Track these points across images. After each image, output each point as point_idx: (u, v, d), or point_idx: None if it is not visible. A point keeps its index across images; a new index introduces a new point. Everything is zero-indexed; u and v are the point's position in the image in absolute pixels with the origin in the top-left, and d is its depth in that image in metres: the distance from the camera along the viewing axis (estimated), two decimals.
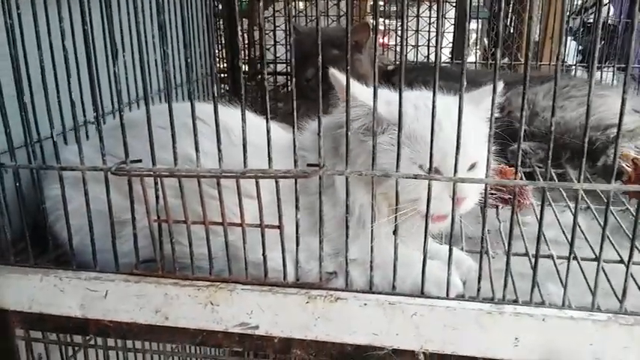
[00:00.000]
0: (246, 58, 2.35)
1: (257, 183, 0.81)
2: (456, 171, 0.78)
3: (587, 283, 0.85)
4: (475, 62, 2.41)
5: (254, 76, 2.37)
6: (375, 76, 0.76)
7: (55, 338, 1.07)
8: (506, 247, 0.82)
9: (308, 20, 2.32)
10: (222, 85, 2.22)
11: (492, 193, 1.21)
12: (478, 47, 3.39)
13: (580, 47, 3.16)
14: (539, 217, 0.81)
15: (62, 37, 0.84)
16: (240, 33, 2.14)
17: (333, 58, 0.86)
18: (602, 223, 0.79)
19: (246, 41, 2.34)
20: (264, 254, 0.85)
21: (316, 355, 0.88)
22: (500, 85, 0.79)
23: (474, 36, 3.49)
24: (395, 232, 0.82)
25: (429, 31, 2.25)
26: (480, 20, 3.06)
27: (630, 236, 0.78)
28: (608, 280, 0.86)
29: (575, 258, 0.94)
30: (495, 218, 1.21)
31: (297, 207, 0.82)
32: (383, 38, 2.89)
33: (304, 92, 1.78)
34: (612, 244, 1.00)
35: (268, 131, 0.79)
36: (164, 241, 0.88)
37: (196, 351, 1.24)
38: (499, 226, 1.16)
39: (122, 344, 1.12)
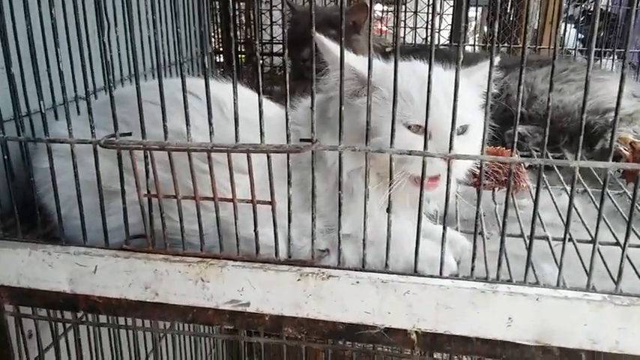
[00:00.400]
0: (242, 39, 2.32)
1: (249, 158, 0.79)
2: (451, 148, 0.77)
3: (583, 264, 0.84)
4: (474, 45, 2.39)
5: (251, 57, 2.34)
6: (370, 48, 0.75)
7: (45, 314, 1.06)
8: (501, 227, 0.81)
9: (304, 0, 2.29)
10: (217, 65, 2.20)
11: (487, 173, 1.21)
12: (478, 36, 3.37)
13: (581, 36, 3.14)
14: (534, 196, 0.79)
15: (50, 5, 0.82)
16: (236, 13, 2.11)
17: (330, 38, 0.84)
18: (598, 205, 0.78)
19: (243, 21, 2.31)
20: (255, 230, 0.84)
21: (308, 333, 0.88)
22: (497, 59, 0.78)
23: (473, 23, 3.46)
24: (388, 210, 0.80)
25: (427, 13, 2.22)
26: (479, 8, 3.03)
27: (627, 219, 0.77)
28: (604, 263, 0.86)
29: (570, 240, 0.93)
30: (491, 200, 1.20)
31: (289, 182, 0.80)
32: (381, 25, 2.86)
33: (301, 72, 1.77)
34: (609, 227, 0.99)
35: (260, 105, 0.77)
36: (154, 217, 0.87)
37: (188, 328, 1.23)
38: (495, 208, 1.15)
39: (113, 321, 1.11)
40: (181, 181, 0.84)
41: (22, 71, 0.92)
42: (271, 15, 2.26)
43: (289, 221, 0.83)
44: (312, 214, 0.82)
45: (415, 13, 2.24)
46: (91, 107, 0.85)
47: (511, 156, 0.77)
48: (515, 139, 0.76)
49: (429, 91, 0.74)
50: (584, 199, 1.22)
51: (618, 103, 0.71)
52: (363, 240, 0.82)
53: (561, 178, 1.26)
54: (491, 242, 0.97)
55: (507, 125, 1.48)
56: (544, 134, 0.74)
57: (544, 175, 1.26)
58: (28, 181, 0.93)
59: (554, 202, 1.14)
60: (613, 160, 0.74)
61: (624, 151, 1.31)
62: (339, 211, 0.82)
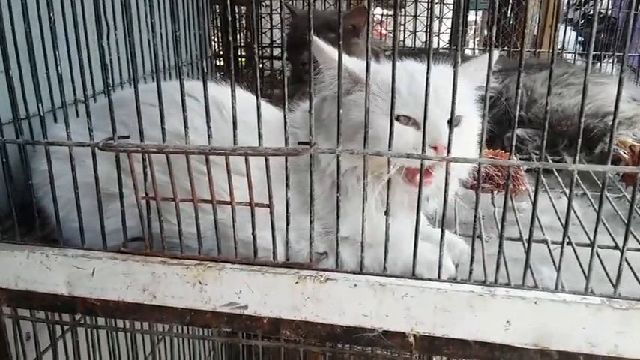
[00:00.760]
0: (243, 42, 2.33)
1: (247, 160, 0.79)
2: (449, 152, 0.77)
3: (582, 267, 0.84)
4: (474, 48, 2.39)
5: (251, 61, 2.34)
6: (367, 51, 0.75)
7: (42, 317, 1.06)
8: (500, 230, 0.80)
9: (304, 3, 2.30)
10: (218, 69, 2.20)
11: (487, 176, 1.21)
12: (478, 39, 3.38)
13: (581, 39, 3.14)
14: (533, 199, 0.79)
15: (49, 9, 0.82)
16: (235, 16, 2.11)
17: (330, 42, 0.84)
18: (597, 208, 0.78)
19: (244, 25, 2.32)
20: (253, 233, 0.83)
21: (306, 336, 0.87)
22: (496, 54, 0.78)
23: (473, 27, 3.47)
24: (387, 213, 0.80)
25: (427, 17, 2.22)
26: (480, 12, 3.03)
27: (626, 222, 0.77)
28: (603, 266, 0.85)
29: (569, 243, 0.93)
30: (490, 204, 1.20)
31: (287, 185, 0.80)
32: (380, 28, 2.87)
33: (300, 76, 1.77)
34: (608, 231, 0.99)
35: (258, 108, 0.77)
36: (152, 219, 0.87)
37: (187, 331, 1.23)
38: (494, 211, 1.15)
39: (111, 324, 1.11)
40: (180, 183, 0.84)
41: (21, 74, 0.92)
42: (271, 18, 2.26)
43: (287, 224, 0.83)
44: (311, 216, 0.82)
45: (415, 17, 2.24)
46: (89, 110, 0.85)
47: (509, 159, 0.77)
48: (514, 142, 0.76)
49: (426, 95, 0.74)
50: (583, 202, 1.21)
51: (616, 106, 0.71)
52: (361, 242, 0.82)
53: (560, 181, 1.26)
54: (490, 245, 0.97)
55: (507, 128, 1.48)
56: (542, 137, 0.74)
57: (543, 179, 1.26)
58: (27, 184, 0.93)
59: (554, 206, 1.14)
60: (612, 164, 0.74)
61: (623, 154, 1.31)
62: (337, 214, 0.82)
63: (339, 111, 0.77)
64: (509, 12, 2.72)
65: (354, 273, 0.83)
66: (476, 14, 3.21)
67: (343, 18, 0.74)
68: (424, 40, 2.23)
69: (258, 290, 0.84)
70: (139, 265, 0.86)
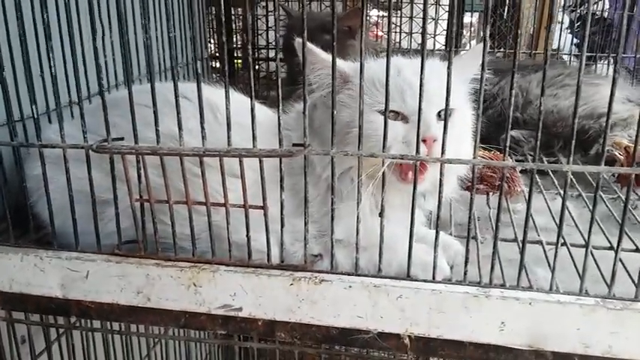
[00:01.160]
0: (240, 44, 2.32)
1: (241, 162, 0.79)
2: (443, 152, 0.77)
3: (576, 268, 0.84)
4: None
5: (246, 62, 2.34)
6: (361, 52, 0.75)
7: (37, 320, 1.05)
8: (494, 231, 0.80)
9: (300, 5, 2.30)
10: (214, 71, 2.20)
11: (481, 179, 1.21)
12: (474, 41, 3.38)
13: (576, 41, 3.15)
14: (527, 199, 0.79)
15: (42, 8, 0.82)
16: (231, 17, 2.11)
17: (325, 44, 0.84)
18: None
19: (240, 27, 2.32)
20: (247, 235, 0.83)
21: (301, 338, 0.87)
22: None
23: (471, 29, 3.48)
24: (381, 214, 0.80)
25: (422, 19, 2.22)
26: (476, 13, 3.04)
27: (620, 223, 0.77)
28: (598, 267, 0.85)
29: (564, 244, 0.93)
30: (485, 205, 1.21)
31: (281, 187, 0.80)
32: (376, 30, 2.87)
33: (296, 78, 1.76)
34: (603, 232, 0.99)
35: (252, 109, 0.77)
36: (146, 221, 0.87)
37: (183, 333, 1.23)
38: (489, 212, 1.15)
39: (107, 327, 1.11)
40: (174, 185, 0.84)
41: (15, 76, 0.92)
42: (267, 20, 2.26)
43: (282, 226, 0.83)
44: (305, 218, 0.82)
45: (411, 18, 2.24)
46: (83, 112, 0.85)
47: (504, 160, 0.77)
48: (508, 143, 0.76)
49: (421, 86, 0.74)
50: (578, 203, 1.22)
51: (610, 107, 0.71)
52: (356, 244, 0.82)
53: (556, 182, 1.26)
54: (484, 247, 0.97)
55: (502, 130, 1.48)
56: (536, 138, 0.74)
57: (538, 180, 1.26)
58: (21, 187, 0.93)
59: (549, 207, 1.14)
60: (608, 165, 0.74)
61: (619, 155, 1.31)
62: (332, 216, 0.81)
63: (333, 111, 0.77)
64: (505, 13, 2.72)
65: (349, 275, 0.83)
66: (471, 16, 3.22)
67: (339, 20, 0.74)
68: (420, 41, 2.23)
69: (253, 292, 0.84)
70: (133, 267, 0.86)
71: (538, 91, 1.61)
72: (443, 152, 0.76)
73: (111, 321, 0.97)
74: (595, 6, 2.63)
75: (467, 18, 3.16)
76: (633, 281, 0.79)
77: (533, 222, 1.03)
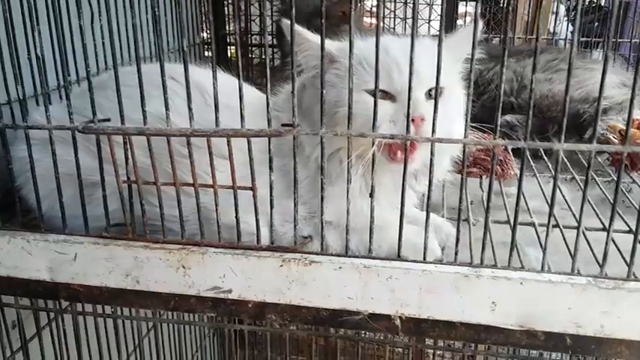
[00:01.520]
0: (233, 30, 2.30)
1: (229, 142, 0.78)
2: (433, 132, 0.76)
3: (569, 249, 0.83)
4: None
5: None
6: (350, 31, 0.74)
7: (27, 304, 1.04)
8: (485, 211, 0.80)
9: None
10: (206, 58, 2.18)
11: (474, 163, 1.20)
12: None
13: (572, 28, 3.13)
14: (518, 178, 0.79)
15: None
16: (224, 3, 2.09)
17: (319, 29, 0.83)
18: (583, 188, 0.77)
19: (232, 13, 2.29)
20: (236, 216, 0.82)
21: (291, 320, 0.87)
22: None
23: (467, 19, 3.45)
24: (371, 195, 0.79)
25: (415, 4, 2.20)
26: (472, 2, 3.02)
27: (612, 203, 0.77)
28: (591, 248, 0.85)
29: (556, 225, 0.92)
30: (479, 188, 1.20)
31: (270, 168, 0.79)
32: (371, 18, 2.85)
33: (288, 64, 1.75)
34: (596, 213, 0.98)
35: (240, 89, 0.76)
36: (134, 203, 0.86)
37: (178, 317, 1.22)
38: (482, 195, 1.15)
39: (96, 311, 1.10)
40: (162, 166, 0.83)
41: (1, 58, 0.91)
42: (260, 6, 2.24)
43: (271, 207, 0.82)
44: (295, 199, 0.81)
45: (405, 4, 2.23)
46: (68, 93, 0.84)
47: (495, 139, 0.76)
48: (499, 121, 0.75)
49: (411, 66, 0.73)
50: (572, 187, 1.21)
51: (602, 85, 0.70)
52: (346, 225, 0.81)
53: (550, 166, 1.25)
54: (477, 229, 0.96)
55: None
56: (527, 116, 0.73)
57: (532, 164, 1.25)
58: (8, 170, 0.91)
59: (542, 190, 1.13)
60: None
61: (613, 138, 1.30)
62: (321, 197, 0.81)
63: (322, 91, 0.76)
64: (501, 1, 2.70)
65: (339, 256, 0.82)
66: (466, 5, 3.19)
67: (333, 5, 0.73)
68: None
69: (243, 274, 0.83)
70: (121, 249, 0.85)
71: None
72: (433, 132, 0.75)
73: (101, 304, 0.97)
74: None
75: (461, 7, 3.14)
76: (626, 262, 0.78)
77: (527, 205, 1.03)
